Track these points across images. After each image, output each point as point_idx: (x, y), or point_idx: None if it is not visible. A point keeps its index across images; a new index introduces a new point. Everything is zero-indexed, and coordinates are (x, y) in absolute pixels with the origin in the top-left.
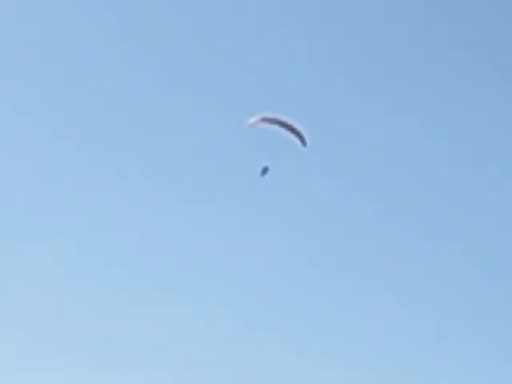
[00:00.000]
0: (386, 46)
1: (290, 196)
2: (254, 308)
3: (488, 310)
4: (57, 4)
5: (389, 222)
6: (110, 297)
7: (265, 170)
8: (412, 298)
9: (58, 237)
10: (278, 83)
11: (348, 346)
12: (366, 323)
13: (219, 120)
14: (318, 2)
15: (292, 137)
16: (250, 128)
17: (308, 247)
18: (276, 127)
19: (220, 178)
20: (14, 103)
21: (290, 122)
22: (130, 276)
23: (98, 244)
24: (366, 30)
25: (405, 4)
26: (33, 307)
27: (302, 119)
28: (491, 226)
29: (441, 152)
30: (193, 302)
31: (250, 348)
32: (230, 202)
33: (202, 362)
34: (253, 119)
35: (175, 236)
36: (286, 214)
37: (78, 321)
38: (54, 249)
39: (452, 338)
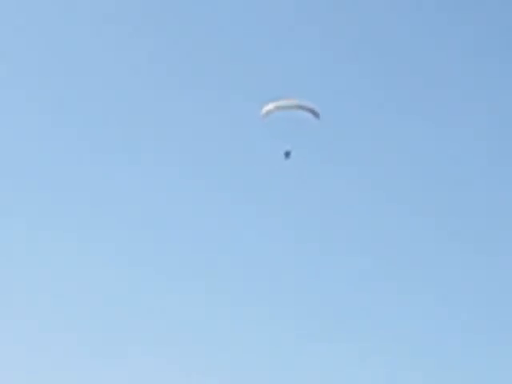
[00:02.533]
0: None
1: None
2: (259, 300)
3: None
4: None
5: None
6: (112, 293)
7: (287, 154)
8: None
9: (57, 231)
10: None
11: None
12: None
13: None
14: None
15: (305, 114)
16: (263, 118)
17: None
18: (287, 111)
19: (224, 171)
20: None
21: (297, 101)
22: (131, 270)
23: (98, 240)
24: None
25: None
26: (34, 305)
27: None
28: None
29: (452, 147)
30: (195, 291)
31: (253, 342)
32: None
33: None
34: (264, 109)
35: (177, 230)
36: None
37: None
38: (55, 245)
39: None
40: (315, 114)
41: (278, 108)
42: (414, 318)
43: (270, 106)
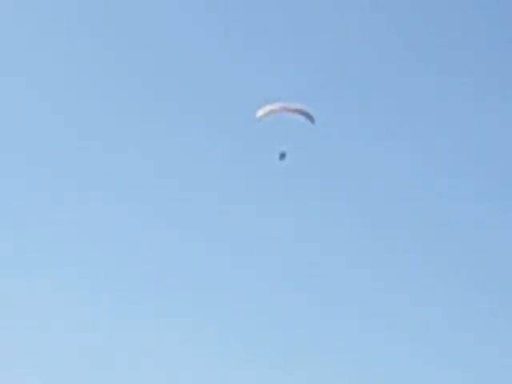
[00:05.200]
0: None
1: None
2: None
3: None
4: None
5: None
6: (110, 312)
7: (282, 155)
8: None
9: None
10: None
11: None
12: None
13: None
14: None
15: (300, 118)
16: (258, 121)
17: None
18: (283, 114)
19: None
20: None
21: (293, 105)
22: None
23: (98, 281)
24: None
25: None
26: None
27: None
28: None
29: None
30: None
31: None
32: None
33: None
34: (259, 112)
35: (173, 257)
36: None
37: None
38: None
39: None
40: (310, 118)
41: (272, 111)
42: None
43: (266, 109)
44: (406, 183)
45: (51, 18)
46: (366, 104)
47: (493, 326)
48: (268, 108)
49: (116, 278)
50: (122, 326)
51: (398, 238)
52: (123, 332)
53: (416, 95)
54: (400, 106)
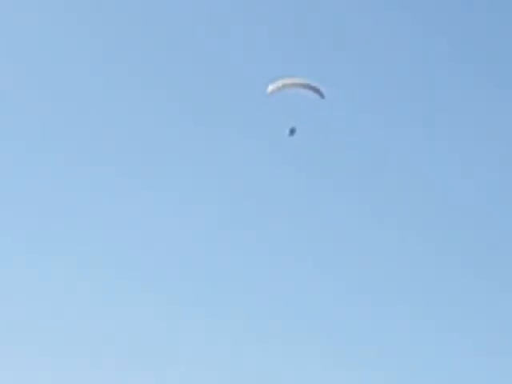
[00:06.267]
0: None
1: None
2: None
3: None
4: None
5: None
6: (108, 299)
7: (292, 131)
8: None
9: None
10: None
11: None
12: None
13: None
14: None
15: (310, 93)
16: (269, 96)
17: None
18: (293, 89)
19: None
20: None
21: (302, 80)
22: (127, 278)
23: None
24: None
25: None
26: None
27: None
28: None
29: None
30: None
31: (251, 349)
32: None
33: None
34: (270, 87)
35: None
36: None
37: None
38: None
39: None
40: (320, 93)
41: (284, 86)
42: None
43: (277, 84)
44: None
45: (51, 17)
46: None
47: None
48: (279, 83)
49: (121, 277)
50: (127, 325)
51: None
52: (126, 331)
53: (427, 83)
54: (411, 92)
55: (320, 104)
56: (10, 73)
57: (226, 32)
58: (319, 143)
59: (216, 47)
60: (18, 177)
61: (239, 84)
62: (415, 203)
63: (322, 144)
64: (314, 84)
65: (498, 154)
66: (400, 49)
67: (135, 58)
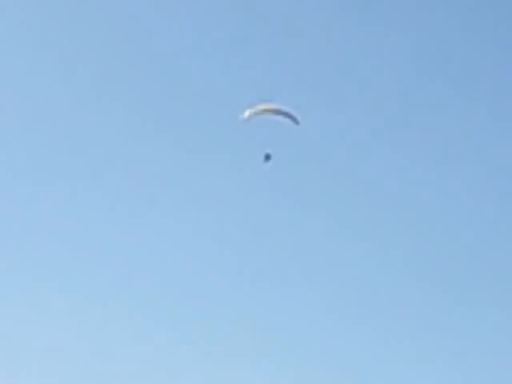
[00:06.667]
0: None
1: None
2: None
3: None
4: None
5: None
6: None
7: (267, 157)
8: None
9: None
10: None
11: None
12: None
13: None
14: None
15: (285, 120)
16: (244, 122)
17: None
18: (267, 115)
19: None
20: None
21: (278, 106)
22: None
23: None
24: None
25: None
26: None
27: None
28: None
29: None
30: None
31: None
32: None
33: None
34: (246, 113)
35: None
36: None
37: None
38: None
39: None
40: (294, 119)
41: (258, 112)
42: None
43: (251, 110)
44: (396, 184)
45: (51, 18)
46: (352, 105)
47: None
48: (256, 108)
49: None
50: (122, 328)
51: (392, 238)
52: (124, 334)
53: (404, 96)
54: (387, 106)
55: (295, 130)
56: None
57: (207, 58)
58: (294, 168)
59: (194, 72)
60: None
61: (216, 108)
62: (393, 224)
63: (297, 170)
64: (288, 110)
65: (476, 172)
66: (378, 73)
67: (115, 81)
